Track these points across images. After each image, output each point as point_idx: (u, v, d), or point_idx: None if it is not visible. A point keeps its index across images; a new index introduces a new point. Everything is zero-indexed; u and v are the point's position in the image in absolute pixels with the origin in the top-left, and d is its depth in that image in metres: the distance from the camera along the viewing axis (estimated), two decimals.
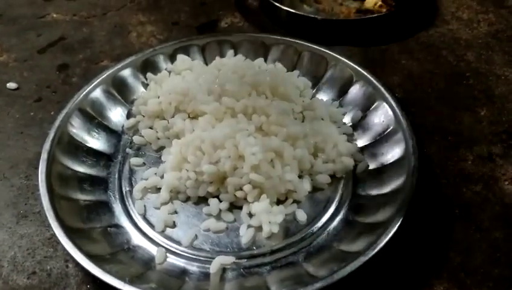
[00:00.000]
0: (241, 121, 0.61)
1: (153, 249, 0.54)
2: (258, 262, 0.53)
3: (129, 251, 0.53)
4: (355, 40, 0.84)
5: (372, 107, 0.65)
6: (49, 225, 0.52)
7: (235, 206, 0.58)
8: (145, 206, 0.58)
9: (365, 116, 0.66)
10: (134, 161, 0.63)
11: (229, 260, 0.52)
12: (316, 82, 0.72)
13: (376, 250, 0.48)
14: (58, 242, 0.52)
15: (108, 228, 0.55)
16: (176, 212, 0.58)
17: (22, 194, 0.62)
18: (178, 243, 0.55)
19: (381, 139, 0.62)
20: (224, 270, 0.52)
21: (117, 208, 0.58)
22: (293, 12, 0.85)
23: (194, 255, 0.54)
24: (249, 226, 0.56)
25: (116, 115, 0.68)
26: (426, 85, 0.76)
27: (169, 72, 0.73)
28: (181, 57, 0.73)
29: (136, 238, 0.55)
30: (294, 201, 0.58)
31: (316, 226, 0.56)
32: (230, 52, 0.75)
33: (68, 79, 0.79)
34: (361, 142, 0.64)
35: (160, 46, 0.75)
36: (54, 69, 0.81)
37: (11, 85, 0.78)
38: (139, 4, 0.96)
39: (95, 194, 0.59)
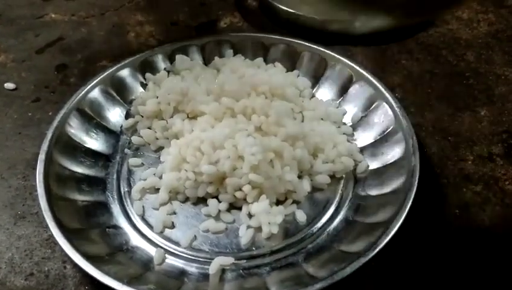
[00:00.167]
0: (241, 121, 0.61)
1: (151, 250, 0.53)
2: (258, 263, 0.52)
3: (127, 251, 0.53)
4: (354, 40, 0.83)
5: (372, 107, 0.65)
6: (46, 226, 0.52)
7: (234, 207, 0.57)
8: (143, 206, 0.58)
9: (365, 116, 0.66)
10: (132, 161, 0.63)
11: (228, 260, 0.52)
12: (316, 82, 0.71)
13: (376, 250, 0.48)
14: (56, 243, 0.52)
15: (107, 229, 0.55)
16: (174, 213, 0.57)
17: (20, 195, 0.61)
18: (177, 243, 0.54)
19: (381, 139, 0.62)
20: (223, 271, 0.51)
21: (115, 208, 0.58)
22: (293, 12, 0.85)
23: (193, 256, 0.53)
24: (249, 226, 0.55)
25: (115, 115, 0.68)
26: (426, 85, 0.75)
27: (168, 72, 0.72)
28: (180, 57, 0.73)
29: (135, 239, 0.55)
30: (294, 201, 0.58)
31: (315, 226, 0.56)
32: (230, 52, 0.74)
33: (66, 79, 0.78)
34: (361, 142, 0.64)
35: (159, 46, 0.75)
36: (52, 69, 0.81)
37: (9, 85, 0.77)
38: (137, 4, 0.96)
39: (93, 195, 0.59)
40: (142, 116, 0.67)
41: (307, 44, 0.73)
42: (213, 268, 0.51)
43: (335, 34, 0.83)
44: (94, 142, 0.64)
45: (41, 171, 0.56)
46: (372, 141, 0.63)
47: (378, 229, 0.51)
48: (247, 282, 0.50)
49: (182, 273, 0.51)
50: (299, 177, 0.59)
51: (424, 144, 0.65)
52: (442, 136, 0.67)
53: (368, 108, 0.66)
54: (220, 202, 0.57)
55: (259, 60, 0.73)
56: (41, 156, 0.58)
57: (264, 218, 0.55)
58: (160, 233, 0.55)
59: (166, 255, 0.53)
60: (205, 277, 0.51)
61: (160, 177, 0.60)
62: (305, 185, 0.58)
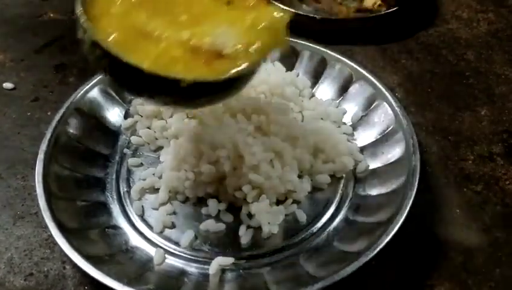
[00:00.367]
0: (240, 121, 0.60)
1: (151, 250, 0.53)
2: (258, 263, 0.52)
3: (127, 252, 0.53)
4: (354, 40, 0.83)
5: (372, 106, 0.65)
6: (46, 226, 0.52)
7: (234, 207, 0.57)
8: (143, 207, 0.58)
9: (365, 116, 0.65)
10: (132, 161, 0.63)
11: (228, 261, 0.51)
12: (315, 81, 0.71)
13: (377, 250, 0.48)
14: (56, 243, 0.52)
15: (106, 229, 0.55)
16: (174, 213, 0.57)
17: (19, 195, 0.61)
18: (177, 244, 0.54)
19: (382, 138, 0.62)
20: (223, 271, 0.51)
21: (115, 208, 0.58)
22: (292, 11, 0.85)
23: (192, 256, 0.53)
24: (249, 226, 0.55)
25: (114, 115, 0.67)
26: (426, 84, 0.75)
27: None
28: None
29: (134, 239, 0.54)
30: (294, 201, 0.58)
31: (316, 226, 0.55)
32: None
33: (65, 79, 0.78)
34: (361, 141, 0.64)
35: None
36: (51, 68, 0.80)
37: (8, 85, 0.77)
38: None
39: (92, 195, 0.58)
40: (142, 116, 0.66)
41: (306, 43, 0.73)
42: (213, 268, 0.51)
43: (334, 33, 0.83)
44: (93, 142, 0.63)
45: (40, 171, 0.56)
46: (373, 140, 0.63)
47: (378, 228, 0.51)
48: (247, 282, 0.50)
49: (182, 273, 0.51)
50: (299, 177, 0.59)
51: (424, 144, 0.65)
52: (443, 135, 0.67)
53: (368, 107, 0.65)
54: (219, 201, 0.57)
55: None
56: (40, 156, 0.57)
57: (264, 218, 0.55)
58: (160, 233, 0.55)
59: (166, 255, 0.53)
60: (205, 277, 0.51)
61: (160, 177, 0.60)
62: (305, 185, 0.58)
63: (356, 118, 0.66)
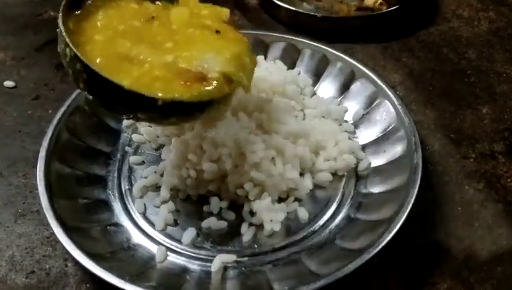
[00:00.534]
0: (242, 119, 0.60)
1: (153, 248, 0.53)
2: (260, 260, 0.52)
3: (129, 249, 0.53)
4: (355, 38, 0.83)
5: (374, 104, 0.65)
6: (47, 224, 0.52)
7: (236, 205, 0.57)
8: (145, 204, 0.58)
9: (367, 114, 0.65)
10: (133, 159, 0.63)
11: (230, 258, 0.51)
12: (317, 80, 0.71)
13: (379, 248, 0.48)
14: (57, 241, 0.52)
15: (108, 227, 0.55)
16: (176, 210, 0.57)
17: (20, 193, 0.61)
18: (179, 241, 0.54)
19: (383, 136, 0.62)
20: (225, 268, 0.51)
21: (117, 206, 0.58)
22: (293, 9, 0.85)
23: (195, 253, 0.53)
24: (250, 224, 0.55)
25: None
26: (427, 83, 0.75)
27: None
28: None
29: (136, 237, 0.54)
30: (296, 199, 0.58)
31: (317, 224, 0.55)
32: None
33: (66, 77, 0.78)
34: (362, 139, 0.64)
35: None
36: (52, 67, 0.80)
37: (9, 83, 0.77)
38: None
39: (94, 193, 0.58)
40: None
41: (307, 41, 0.73)
42: (215, 266, 0.51)
43: (335, 31, 0.83)
44: (94, 140, 0.63)
45: (41, 168, 0.56)
46: (374, 138, 0.63)
47: (380, 226, 0.51)
48: (249, 279, 0.50)
49: (184, 270, 0.51)
50: (301, 174, 0.59)
51: (425, 142, 0.65)
52: (444, 133, 0.67)
53: (370, 106, 0.65)
54: (221, 199, 0.57)
55: (260, 57, 0.72)
56: (42, 154, 0.57)
57: (266, 215, 0.55)
58: (162, 231, 0.55)
59: (168, 252, 0.53)
60: (207, 274, 0.51)
61: (162, 175, 0.60)
62: (307, 183, 0.58)
63: (358, 116, 0.66)
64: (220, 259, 0.51)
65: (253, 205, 0.56)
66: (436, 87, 0.74)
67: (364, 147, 0.63)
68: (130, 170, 0.62)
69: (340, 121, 0.66)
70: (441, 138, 0.67)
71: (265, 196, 0.56)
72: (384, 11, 0.85)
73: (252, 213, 0.56)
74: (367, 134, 0.64)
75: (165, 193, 0.58)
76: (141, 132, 0.65)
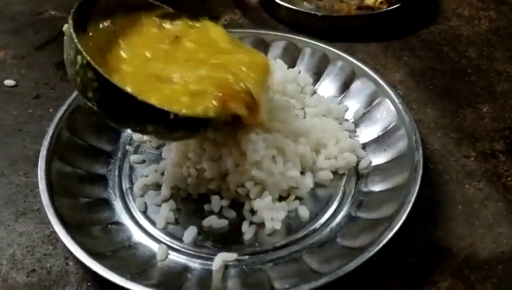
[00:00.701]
0: None
1: (154, 246, 0.53)
2: (261, 259, 0.52)
3: (130, 248, 0.53)
4: (356, 37, 0.83)
5: (374, 103, 0.65)
6: (48, 222, 0.52)
7: (236, 203, 0.57)
8: (145, 203, 0.58)
9: (367, 113, 0.65)
10: (134, 158, 0.63)
11: (231, 256, 0.51)
12: (317, 78, 0.71)
13: (380, 246, 0.48)
14: (58, 239, 0.52)
15: (109, 225, 0.55)
16: (177, 209, 0.57)
17: (21, 192, 0.61)
18: (180, 240, 0.54)
19: (384, 135, 0.62)
20: (226, 267, 0.51)
21: (117, 205, 0.58)
22: (293, 8, 0.85)
23: (196, 252, 0.53)
24: (251, 223, 0.55)
25: None
26: (428, 82, 0.75)
27: None
28: None
29: (137, 236, 0.54)
30: (297, 197, 0.58)
31: (318, 222, 0.55)
32: None
33: (66, 76, 0.76)
34: (363, 138, 0.64)
35: None
36: (52, 66, 0.80)
37: (9, 82, 0.77)
38: None
39: (95, 192, 0.58)
40: None
41: (308, 40, 0.73)
42: (216, 264, 0.50)
43: (336, 30, 0.83)
44: (95, 139, 0.63)
45: (42, 167, 0.56)
46: (375, 137, 0.63)
47: (381, 224, 0.51)
48: (250, 278, 0.50)
49: (185, 269, 0.51)
50: (302, 173, 0.59)
51: (426, 141, 0.65)
52: (445, 132, 0.67)
53: (370, 104, 0.65)
54: (222, 198, 0.57)
55: None
56: (43, 153, 0.57)
57: (267, 214, 0.55)
58: (163, 229, 0.55)
59: (169, 251, 0.53)
60: (208, 273, 0.51)
61: (162, 174, 0.60)
62: (308, 181, 0.58)
63: (358, 114, 0.66)
64: (221, 257, 0.51)
65: (253, 203, 0.56)
66: (437, 86, 0.75)
67: (365, 146, 0.63)
68: (131, 168, 0.62)
69: (341, 119, 0.66)
70: (442, 136, 0.67)
71: (265, 195, 0.56)
72: (384, 10, 0.85)
73: (253, 212, 0.56)
74: (368, 133, 0.64)
75: (165, 191, 0.58)
76: None
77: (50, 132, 0.60)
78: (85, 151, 0.61)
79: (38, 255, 0.54)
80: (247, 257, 0.52)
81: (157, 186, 0.59)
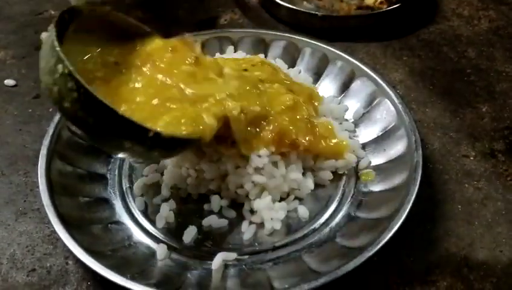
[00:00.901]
0: None
1: (154, 246, 0.53)
2: (261, 258, 0.52)
3: (130, 247, 0.53)
4: (356, 37, 0.83)
5: (374, 103, 0.65)
6: (48, 222, 0.52)
7: (236, 203, 0.57)
8: (145, 202, 0.58)
9: (367, 113, 0.66)
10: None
11: (231, 256, 0.51)
12: (317, 78, 0.71)
13: (379, 245, 0.48)
14: (58, 239, 0.52)
15: (109, 225, 0.55)
16: (177, 208, 0.57)
17: (21, 191, 0.61)
18: (179, 239, 0.54)
19: (383, 135, 0.62)
20: (226, 266, 0.51)
21: (117, 204, 0.58)
22: (293, 8, 0.85)
23: (195, 251, 0.53)
24: (251, 222, 0.55)
25: None
26: (428, 82, 0.75)
27: None
28: None
29: (137, 235, 0.55)
30: (296, 197, 0.58)
31: (318, 222, 0.56)
32: (230, 48, 0.74)
33: None
34: (363, 138, 0.64)
35: None
36: None
37: (9, 82, 0.77)
38: (137, 0, 0.95)
39: (95, 191, 0.58)
40: None
41: (308, 40, 0.73)
42: (216, 264, 0.51)
43: (336, 30, 0.83)
44: None
45: (43, 166, 0.56)
46: (374, 137, 0.63)
47: (380, 224, 0.51)
48: (250, 277, 0.50)
49: (185, 268, 0.51)
50: (302, 174, 0.59)
51: (425, 141, 0.66)
52: (444, 132, 0.67)
53: (370, 104, 0.66)
54: (222, 198, 0.57)
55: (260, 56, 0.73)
56: (43, 152, 0.57)
57: (267, 214, 0.55)
58: (163, 229, 0.55)
59: (169, 250, 0.53)
60: (208, 272, 0.51)
61: (162, 174, 0.59)
62: (309, 183, 0.58)
63: (358, 114, 0.66)
64: (221, 257, 0.51)
65: (253, 203, 0.56)
66: (436, 86, 0.75)
67: (364, 146, 0.63)
68: (131, 168, 0.62)
69: (341, 119, 0.66)
70: (441, 136, 0.67)
71: (265, 195, 0.56)
72: (384, 9, 0.85)
73: (253, 212, 0.56)
74: (367, 133, 0.64)
75: (165, 191, 0.58)
76: None
77: (50, 131, 0.60)
78: (85, 151, 0.61)
79: (39, 254, 0.55)
80: (246, 256, 0.52)
81: (157, 186, 0.59)
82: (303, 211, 0.56)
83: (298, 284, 0.46)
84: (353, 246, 0.50)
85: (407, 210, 0.51)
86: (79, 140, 0.61)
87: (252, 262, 0.52)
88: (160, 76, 0.54)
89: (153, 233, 0.55)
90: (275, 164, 0.56)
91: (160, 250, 0.52)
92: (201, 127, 0.50)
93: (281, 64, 0.71)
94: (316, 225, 0.55)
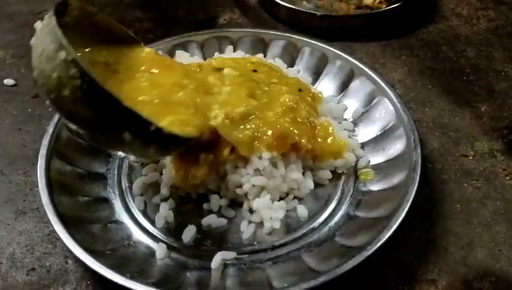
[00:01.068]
0: None
1: (153, 245, 0.53)
2: (260, 257, 0.52)
3: (129, 246, 0.53)
4: (355, 36, 0.83)
5: (373, 102, 0.65)
6: (48, 221, 0.52)
7: (235, 202, 0.57)
8: (145, 202, 0.58)
9: (366, 112, 0.66)
10: (133, 157, 0.63)
11: (230, 255, 0.52)
12: (316, 78, 0.72)
13: (378, 245, 0.48)
14: (58, 238, 0.52)
15: (108, 224, 0.55)
16: (176, 208, 0.57)
17: (21, 191, 0.61)
18: (179, 238, 0.54)
19: (382, 134, 0.62)
20: (225, 265, 0.51)
21: (117, 204, 0.58)
22: (292, 8, 0.85)
23: (194, 250, 0.53)
24: (250, 222, 0.55)
25: None
26: (426, 81, 0.75)
27: None
28: (180, 53, 0.73)
29: (137, 234, 0.55)
30: (296, 197, 0.58)
31: (317, 221, 0.56)
32: (230, 48, 0.74)
33: None
34: (362, 137, 0.64)
35: (158, 43, 0.74)
36: None
37: (9, 82, 0.77)
38: (136, 0, 0.96)
39: (94, 191, 0.59)
40: None
41: (307, 40, 0.73)
42: (215, 263, 0.51)
43: (335, 30, 0.83)
44: None
45: (42, 165, 0.56)
46: (373, 136, 0.63)
47: (379, 223, 0.51)
48: (249, 276, 0.50)
49: (184, 268, 0.51)
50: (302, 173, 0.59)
51: (424, 140, 0.66)
52: (443, 131, 0.67)
53: (369, 104, 0.66)
54: (221, 197, 0.57)
55: (259, 56, 0.73)
56: (43, 151, 0.57)
57: (266, 213, 0.55)
58: (162, 228, 0.55)
59: (168, 250, 0.53)
60: (207, 271, 0.51)
61: (161, 173, 0.60)
62: (309, 183, 0.58)
63: (357, 114, 0.66)
64: (220, 256, 0.51)
65: (252, 203, 0.56)
66: (435, 86, 0.75)
67: (363, 145, 0.63)
68: (130, 167, 0.62)
69: (340, 119, 0.66)
70: (440, 135, 0.67)
71: (264, 194, 0.56)
72: (383, 9, 0.85)
73: (252, 211, 0.56)
74: (366, 132, 0.64)
75: (165, 190, 0.58)
76: None
77: (50, 130, 0.60)
78: (84, 150, 0.61)
79: (38, 253, 0.55)
80: (246, 255, 0.52)
81: (157, 186, 0.59)
82: (302, 211, 0.56)
83: (297, 283, 0.46)
84: (352, 245, 0.51)
85: (406, 209, 0.51)
86: (78, 140, 0.61)
87: (251, 261, 0.52)
88: (157, 79, 0.55)
89: (153, 232, 0.55)
90: (274, 164, 0.56)
91: (160, 249, 0.52)
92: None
93: (280, 63, 0.71)
94: (315, 224, 0.55)
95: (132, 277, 0.47)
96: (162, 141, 0.48)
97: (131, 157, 0.62)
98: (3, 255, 0.54)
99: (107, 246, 0.52)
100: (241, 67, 0.63)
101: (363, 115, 0.66)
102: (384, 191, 0.56)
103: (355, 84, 0.68)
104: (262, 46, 0.75)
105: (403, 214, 0.50)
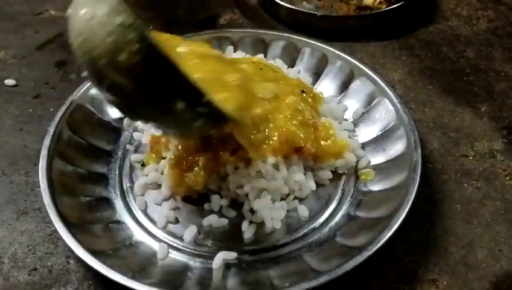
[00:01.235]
0: None
1: (155, 245, 0.54)
2: (261, 257, 0.52)
3: (131, 246, 0.53)
4: (355, 37, 0.84)
5: (373, 103, 0.65)
6: (49, 221, 0.52)
7: (236, 202, 0.57)
8: (146, 202, 0.58)
9: (366, 112, 0.66)
10: (134, 157, 0.63)
11: (231, 255, 0.52)
12: (317, 78, 0.72)
13: (379, 245, 0.48)
14: (59, 238, 0.52)
15: (110, 224, 0.55)
16: (177, 208, 0.57)
17: (22, 191, 0.61)
18: (180, 238, 0.54)
19: (383, 135, 0.62)
20: (226, 265, 0.52)
21: (118, 204, 0.58)
22: (292, 8, 0.85)
23: (196, 250, 0.53)
24: (251, 222, 0.56)
25: (116, 111, 0.67)
26: (427, 81, 0.76)
27: None
28: None
29: (138, 234, 0.55)
30: (296, 197, 0.58)
31: (318, 221, 0.56)
32: (230, 48, 0.74)
33: (67, 75, 0.78)
34: (362, 138, 0.64)
35: None
36: (52, 65, 0.80)
37: (10, 82, 0.77)
38: (137, 0, 0.96)
39: (95, 191, 0.59)
40: None
41: (307, 40, 0.73)
42: (216, 263, 0.51)
43: (335, 30, 0.83)
44: (96, 138, 0.64)
45: (43, 165, 0.56)
46: (374, 136, 0.63)
47: (380, 223, 0.51)
48: (250, 276, 0.50)
49: (185, 268, 0.51)
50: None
51: (424, 140, 0.66)
52: (443, 132, 0.67)
53: (369, 104, 0.66)
54: (222, 197, 0.57)
55: (260, 56, 0.73)
56: (44, 152, 0.57)
57: (267, 213, 0.55)
58: (164, 228, 0.55)
59: (170, 250, 0.53)
60: (208, 271, 0.51)
61: (162, 173, 0.60)
62: (311, 184, 0.58)
63: (357, 114, 0.66)
64: (221, 256, 0.51)
65: (253, 203, 0.56)
66: (436, 86, 0.75)
67: (364, 145, 0.63)
68: (131, 167, 0.62)
69: (340, 119, 0.66)
70: (440, 136, 0.67)
71: (265, 195, 0.56)
72: (383, 9, 0.85)
73: (253, 211, 0.56)
74: (367, 132, 0.64)
75: (166, 190, 0.58)
76: (142, 130, 0.65)
77: (51, 131, 0.60)
78: (86, 151, 0.62)
79: (40, 253, 0.55)
80: (247, 255, 0.53)
81: (158, 185, 0.59)
82: (303, 211, 0.56)
83: (298, 283, 0.46)
84: (353, 245, 0.51)
85: (407, 209, 0.51)
86: (79, 140, 0.62)
87: (252, 261, 0.52)
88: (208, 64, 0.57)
89: (154, 232, 0.55)
90: (276, 166, 0.56)
91: (161, 249, 0.53)
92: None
93: (280, 64, 0.71)
94: (316, 224, 0.56)
95: (133, 277, 0.47)
96: (209, 116, 0.46)
97: (132, 157, 0.62)
98: (5, 255, 0.55)
99: (109, 246, 0.52)
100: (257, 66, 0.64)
101: (363, 115, 0.66)
102: (385, 192, 0.57)
103: (355, 84, 0.68)
104: (262, 46, 0.75)
105: (404, 214, 0.50)
